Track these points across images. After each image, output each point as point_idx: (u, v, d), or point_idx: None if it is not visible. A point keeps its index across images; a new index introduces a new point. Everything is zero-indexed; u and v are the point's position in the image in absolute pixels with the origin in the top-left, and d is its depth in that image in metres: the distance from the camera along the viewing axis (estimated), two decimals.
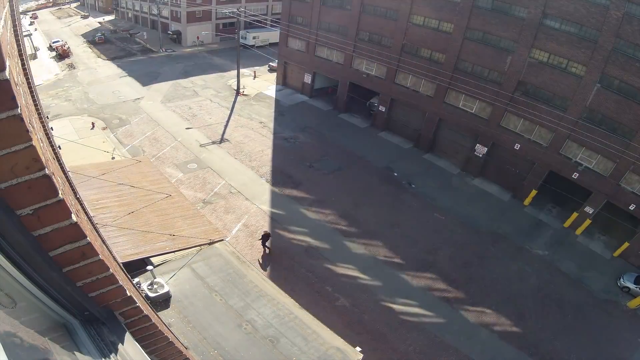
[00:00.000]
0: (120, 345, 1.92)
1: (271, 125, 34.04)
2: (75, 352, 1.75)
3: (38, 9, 77.87)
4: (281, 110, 37.09)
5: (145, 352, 2.11)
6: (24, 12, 69.93)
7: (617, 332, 18.86)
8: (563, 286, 20.92)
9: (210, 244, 17.65)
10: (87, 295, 1.89)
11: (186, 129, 31.74)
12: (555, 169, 25.43)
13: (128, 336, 2.05)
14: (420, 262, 21.24)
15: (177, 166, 27.17)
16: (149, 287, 16.96)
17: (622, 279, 20.90)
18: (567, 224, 25.26)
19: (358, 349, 16.48)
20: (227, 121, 34.21)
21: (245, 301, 17.83)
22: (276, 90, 41.54)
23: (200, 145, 29.82)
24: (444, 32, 28.55)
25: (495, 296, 19.78)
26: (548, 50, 23.92)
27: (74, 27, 63.94)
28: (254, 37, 55.40)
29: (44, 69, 43.17)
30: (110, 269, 1.89)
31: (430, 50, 29.85)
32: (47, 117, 27.81)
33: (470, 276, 20.75)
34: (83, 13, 74.18)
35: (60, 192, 1.43)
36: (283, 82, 42.46)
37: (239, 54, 38.54)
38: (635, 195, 22.14)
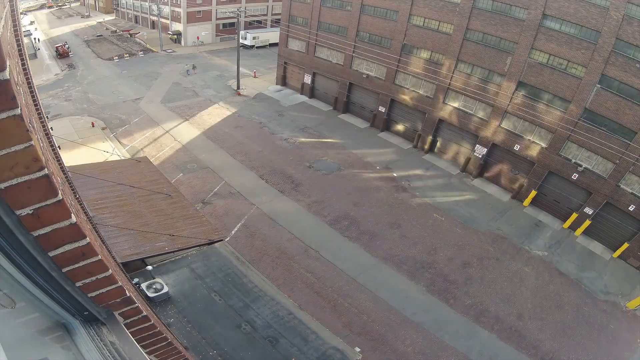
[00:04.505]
0: (119, 345, 1.92)
1: (271, 125, 34.03)
2: (75, 352, 1.75)
3: (38, 8, 77.85)
4: (281, 111, 37.09)
5: (145, 352, 2.11)
6: (25, 12, 69.91)
7: (616, 332, 18.86)
8: (563, 287, 20.92)
9: (209, 244, 17.69)
10: (87, 295, 1.89)
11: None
12: (554, 170, 25.45)
13: (127, 336, 2.05)
14: (420, 263, 21.24)
15: (177, 166, 27.16)
16: (149, 287, 16.95)
17: None
18: (567, 224, 25.28)
19: (357, 349, 16.49)
20: (226, 121, 34.19)
21: (245, 301, 17.82)
22: (276, 91, 41.53)
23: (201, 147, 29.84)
24: (443, 33, 28.57)
25: (495, 296, 19.78)
26: (548, 51, 23.94)
27: (73, 27, 63.93)
28: (254, 38, 55.46)
29: (44, 68, 43.15)
30: (110, 269, 1.89)
31: (430, 51, 29.88)
32: (47, 117, 27.80)
33: (469, 276, 20.75)
34: (83, 13, 74.19)
35: (60, 192, 1.43)
36: (283, 82, 42.45)
37: (239, 54, 38.57)
38: (635, 196, 22.17)
